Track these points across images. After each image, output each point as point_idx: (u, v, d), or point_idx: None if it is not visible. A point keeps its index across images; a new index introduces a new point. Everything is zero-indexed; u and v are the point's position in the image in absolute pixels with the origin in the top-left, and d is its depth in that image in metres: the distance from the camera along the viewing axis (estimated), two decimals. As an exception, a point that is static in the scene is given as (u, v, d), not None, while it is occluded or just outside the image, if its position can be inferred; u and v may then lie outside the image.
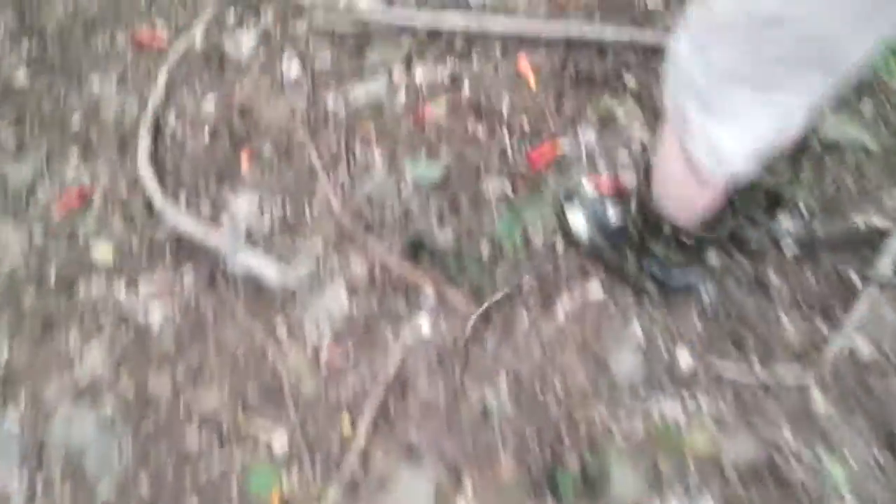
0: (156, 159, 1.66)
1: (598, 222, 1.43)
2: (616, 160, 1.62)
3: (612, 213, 1.43)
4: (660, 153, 1.13)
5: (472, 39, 1.85)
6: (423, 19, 1.82)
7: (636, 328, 1.39)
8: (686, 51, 0.83)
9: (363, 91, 1.79)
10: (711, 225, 1.18)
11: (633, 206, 1.26)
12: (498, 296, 1.43)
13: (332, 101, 1.78)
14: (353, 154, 1.67)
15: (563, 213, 1.48)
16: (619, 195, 1.55)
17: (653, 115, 1.70)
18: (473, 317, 1.39)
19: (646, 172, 1.22)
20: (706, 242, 1.24)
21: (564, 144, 1.66)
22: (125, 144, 1.70)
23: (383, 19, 1.82)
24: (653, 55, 1.79)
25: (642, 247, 1.30)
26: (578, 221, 1.45)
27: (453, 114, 1.73)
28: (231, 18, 1.95)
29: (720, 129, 0.84)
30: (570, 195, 1.48)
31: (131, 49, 1.91)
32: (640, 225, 1.27)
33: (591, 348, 1.38)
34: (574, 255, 1.48)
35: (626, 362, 1.37)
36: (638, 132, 1.67)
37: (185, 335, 1.43)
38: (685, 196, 1.14)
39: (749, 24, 0.72)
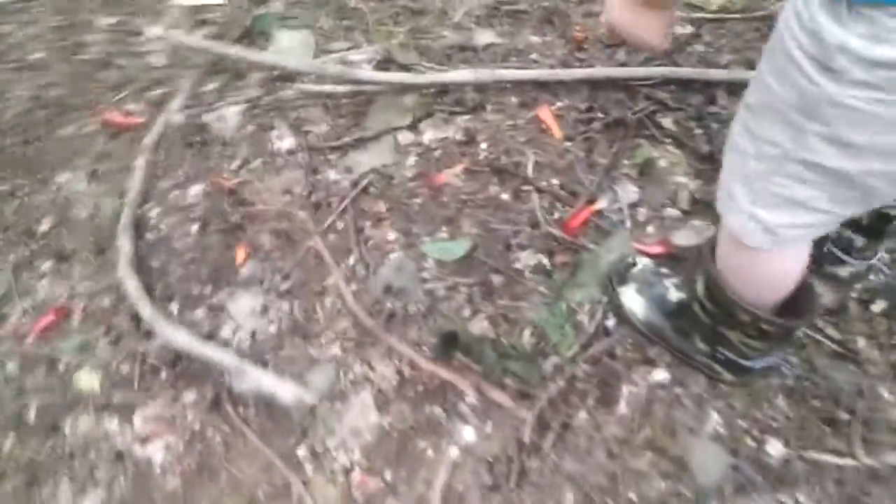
0: (139, 263, 1.55)
1: (657, 300, 1.32)
2: (663, 217, 1.52)
3: (672, 290, 1.32)
4: (719, 232, 1.04)
5: (484, 91, 1.76)
6: (427, 77, 1.73)
7: (714, 418, 1.27)
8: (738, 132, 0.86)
9: (367, 159, 1.69)
10: (796, 306, 1.07)
11: (700, 286, 1.16)
12: (550, 393, 1.31)
13: (333, 174, 1.68)
14: (364, 235, 1.57)
15: (615, 291, 1.37)
16: (673, 260, 1.45)
17: (697, 158, 1.61)
18: (528, 420, 1.27)
19: (710, 249, 1.12)
20: (793, 330, 1.13)
21: (602, 202, 1.56)
22: (103, 249, 1.59)
23: (382, 79, 1.73)
24: (688, 90, 1.71)
25: (714, 333, 1.19)
26: (633, 300, 1.34)
27: (472, 178, 1.63)
28: (211, 90, 1.86)
29: (766, 213, 0.88)
30: (622, 272, 1.37)
31: (103, 135, 1.82)
32: (709, 309, 1.16)
33: (666, 447, 1.25)
34: (632, 337, 1.36)
35: (708, 461, 1.24)
36: (684, 179, 1.57)
37: (193, 472, 1.31)
38: (758, 276, 1.04)
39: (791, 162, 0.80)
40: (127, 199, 1.63)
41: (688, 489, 1.21)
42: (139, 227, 1.60)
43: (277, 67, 1.73)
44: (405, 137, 1.69)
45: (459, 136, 1.67)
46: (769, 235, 0.90)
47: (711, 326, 1.16)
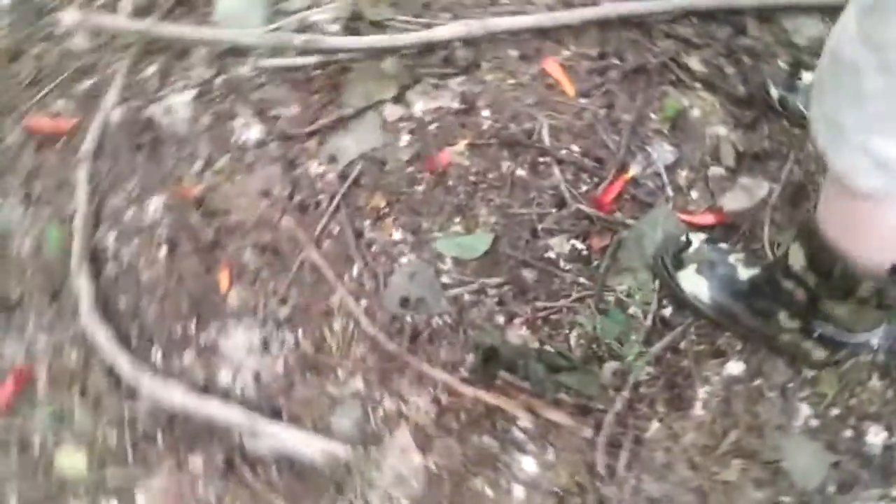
0: (104, 304, 1.28)
1: (724, 281, 1.12)
2: (707, 178, 1.30)
3: (741, 267, 1.12)
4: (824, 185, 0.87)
5: (476, 45, 1.48)
6: (409, 37, 1.43)
7: (803, 410, 1.11)
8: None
9: (352, 144, 1.41)
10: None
11: (798, 257, 0.96)
12: (615, 405, 1.12)
13: (315, 165, 1.40)
14: (365, 239, 1.31)
15: (671, 276, 1.16)
16: (729, 230, 1.24)
17: (734, 102, 1.38)
18: (599, 441, 1.09)
19: (811, 212, 0.92)
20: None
21: (634, 168, 1.32)
22: (57, 291, 1.31)
23: (356, 45, 1.43)
24: (713, 22, 1.46)
25: (812, 308, 1.00)
26: (695, 283, 1.14)
27: (478, 154, 1.37)
28: (151, 76, 1.53)
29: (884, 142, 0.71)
30: (675, 253, 1.16)
31: (30, 145, 1.49)
32: (810, 282, 0.96)
33: (755, 451, 1.09)
34: (695, 327, 1.17)
35: (804, 460, 1.08)
36: (723, 130, 1.35)
37: (216, 551, 1.10)
38: (876, 232, 0.85)
39: None
40: (74, 225, 1.33)
41: (789, 496, 1.05)
42: (96, 258, 1.32)
43: (226, 43, 1.40)
44: (392, 112, 1.41)
45: (456, 104, 1.40)
46: (885, 174, 0.73)
47: (809, 301, 0.96)
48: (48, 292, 1.31)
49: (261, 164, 1.40)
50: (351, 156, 1.39)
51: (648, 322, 1.16)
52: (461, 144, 1.36)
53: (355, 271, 1.28)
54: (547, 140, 1.35)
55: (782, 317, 1.05)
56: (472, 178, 1.34)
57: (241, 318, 1.25)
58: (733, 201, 1.26)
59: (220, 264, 1.30)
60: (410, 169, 1.36)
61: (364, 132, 1.41)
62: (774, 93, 1.30)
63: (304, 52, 1.44)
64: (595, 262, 1.23)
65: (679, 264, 1.15)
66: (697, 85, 1.38)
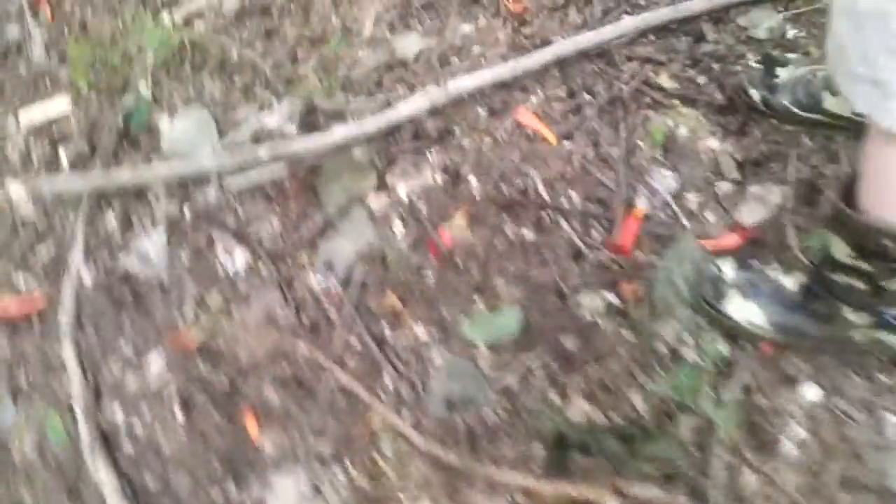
0: (132, 492, 1.15)
1: (774, 298, 1.06)
2: (716, 196, 1.24)
3: (784, 278, 1.06)
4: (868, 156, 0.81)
5: (444, 112, 1.40)
6: (375, 121, 1.34)
7: (891, 420, 1.05)
8: None
9: (346, 246, 1.32)
10: None
11: (839, 248, 0.91)
12: (701, 463, 1.04)
13: (314, 278, 1.30)
14: (389, 346, 1.22)
15: (716, 310, 1.10)
16: (757, 245, 1.18)
17: (715, 111, 1.32)
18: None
19: (845, 192, 0.87)
20: None
21: (640, 202, 1.26)
22: (75, 489, 1.18)
23: (323, 144, 1.33)
24: (669, 35, 1.41)
25: (875, 294, 0.94)
26: (744, 310, 1.08)
27: (479, 224, 1.29)
28: (113, 224, 1.40)
29: None
30: (711, 285, 1.09)
31: (4, 336, 1.34)
32: (861, 268, 0.91)
33: (860, 480, 1.02)
34: (756, 357, 1.10)
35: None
36: (715, 143, 1.29)
37: None
38: None
39: None
40: (75, 409, 1.19)
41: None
42: (107, 440, 1.19)
43: (188, 177, 1.28)
44: (377, 201, 1.32)
45: (440, 177, 1.32)
46: None
47: (869, 287, 0.91)
48: (64, 491, 1.17)
49: (256, 292, 1.29)
50: (348, 259, 1.29)
51: (707, 363, 1.09)
52: (458, 219, 1.28)
53: (389, 383, 1.17)
54: (544, 193, 1.27)
55: (847, 313, 0.99)
56: (479, 252, 1.25)
57: (282, 466, 1.14)
58: (750, 214, 1.20)
59: (243, 411, 1.19)
60: (414, 258, 1.26)
61: (354, 230, 1.32)
62: (755, 95, 1.26)
63: (270, 162, 1.32)
64: (632, 312, 1.15)
65: (720, 296, 1.09)
66: (675, 102, 1.33)
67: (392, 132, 1.38)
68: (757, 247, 1.18)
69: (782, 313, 1.06)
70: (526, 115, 1.34)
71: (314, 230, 1.32)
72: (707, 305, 1.10)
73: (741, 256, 1.15)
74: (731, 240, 1.18)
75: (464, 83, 1.37)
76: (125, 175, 1.29)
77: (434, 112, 1.37)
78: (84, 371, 1.26)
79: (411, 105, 1.34)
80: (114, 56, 1.47)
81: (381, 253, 1.29)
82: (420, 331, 1.21)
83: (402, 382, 1.17)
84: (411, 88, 1.41)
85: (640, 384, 1.11)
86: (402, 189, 1.34)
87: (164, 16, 1.53)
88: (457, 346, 1.19)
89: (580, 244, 1.22)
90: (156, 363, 1.26)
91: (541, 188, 1.28)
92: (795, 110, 1.23)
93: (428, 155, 1.36)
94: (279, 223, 1.34)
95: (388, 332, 1.22)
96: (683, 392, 1.06)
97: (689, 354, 1.11)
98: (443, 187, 1.32)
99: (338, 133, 1.33)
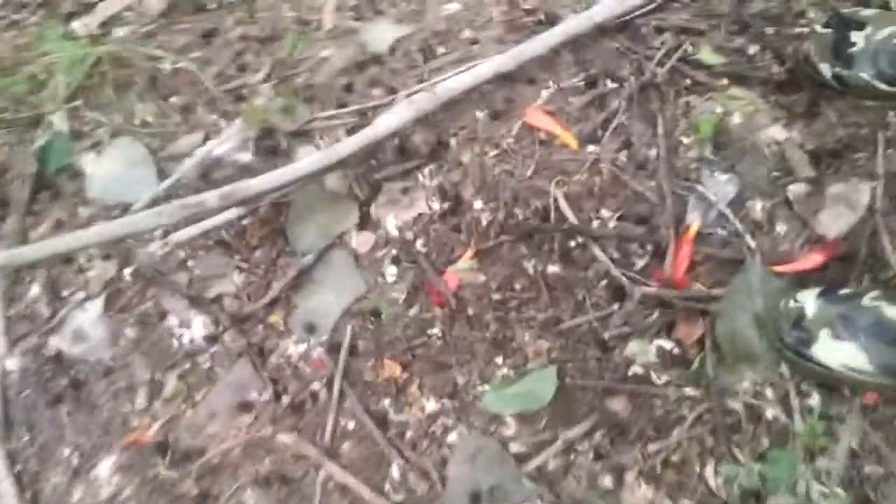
0: None
1: (874, 332, 0.90)
2: (788, 201, 1.04)
3: (884, 305, 0.89)
4: None
5: (434, 121, 1.19)
6: (347, 143, 1.13)
7: None
8: None
9: (328, 300, 1.14)
10: None
11: None
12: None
13: (292, 345, 1.11)
14: (394, 426, 1.04)
15: (804, 356, 0.91)
16: (844, 262, 0.99)
17: (777, 89, 1.12)
18: None
19: None
20: None
21: (692, 216, 1.06)
22: None
23: (289, 176, 1.12)
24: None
25: None
26: (840, 352, 0.91)
27: (492, 261, 1.12)
28: (38, 299, 1.20)
29: None
30: (794, 326, 0.91)
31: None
32: None
33: None
34: (864, 412, 0.92)
35: None
36: (779, 131, 1.09)
37: None
38: None
39: None
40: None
41: None
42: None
43: (127, 237, 1.08)
44: (362, 241, 1.14)
45: (437, 205, 1.14)
46: None
47: None
48: None
49: (222, 368, 1.11)
50: (333, 317, 1.11)
51: (799, 426, 0.90)
52: (466, 256, 1.09)
53: (396, 474, 1.00)
54: (569, 215, 1.08)
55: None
56: (496, 297, 1.08)
57: None
58: (833, 222, 1.02)
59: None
60: (414, 310, 1.09)
61: (337, 280, 1.13)
62: (825, 70, 1.05)
63: (225, 207, 1.12)
64: (695, 361, 0.96)
65: (807, 339, 0.91)
66: (723, 82, 1.14)
67: (372, 152, 1.18)
68: (846, 266, 0.98)
69: (889, 352, 0.88)
70: (537, 116, 1.15)
71: (287, 283, 1.13)
72: (792, 352, 0.91)
73: (826, 282, 0.96)
74: (812, 259, 0.99)
75: (455, 81, 1.17)
76: (43, 247, 1.08)
77: (422, 121, 1.18)
78: (20, 491, 1.07)
79: (393, 115, 1.15)
80: (17, 83, 1.25)
81: (374, 307, 1.11)
82: (430, 405, 1.04)
83: (412, 472, 1.00)
84: (391, 92, 1.21)
85: (715, 457, 0.92)
86: (392, 223, 1.15)
87: (76, 25, 1.30)
88: (478, 421, 1.01)
89: (621, 278, 1.04)
90: (106, 470, 1.09)
91: (565, 208, 1.10)
92: (879, 84, 1.02)
93: (420, 177, 1.17)
94: (243, 278, 1.16)
95: (390, 408, 1.05)
96: (773, 468, 0.87)
97: (774, 413, 0.92)
98: (442, 217, 1.14)
99: (305, 160, 1.13)
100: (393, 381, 1.06)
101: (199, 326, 1.15)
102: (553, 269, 1.08)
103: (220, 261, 1.18)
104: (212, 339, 1.14)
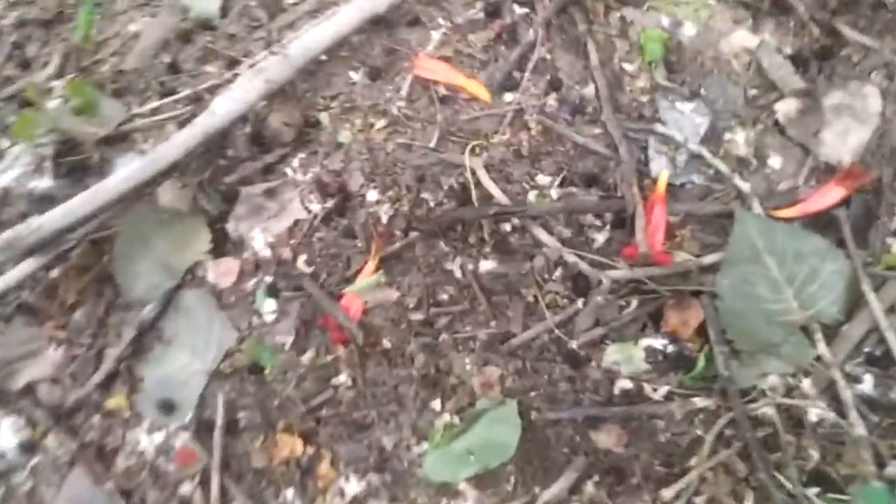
0: None
1: None
2: (781, 124, 0.82)
3: None
4: None
5: (294, 92, 0.91)
6: (178, 139, 0.84)
7: None
8: None
9: (184, 362, 0.88)
10: None
11: None
12: None
13: (144, 435, 0.83)
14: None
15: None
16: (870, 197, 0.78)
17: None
18: None
19: None
20: None
21: (656, 164, 0.83)
22: None
23: (104, 198, 0.82)
24: None
25: None
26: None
27: (402, 268, 0.84)
28: None
29: None
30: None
31: None
32: None
33: None
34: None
35: None
36: (749, 36, 0.87)
37: None
38: None
39: None
40: None
41: None
42: None
43: None
44: (223, 270, 0.92)
45: (318, 205, 0.87)
46: None
47: None
48: None
49: (49, 486, 0.79)
50: (196, 386, 0.85)
51: (856, 421, 0.68)
52: (367, 269, 0.83)
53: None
54: (495, 191, 0.83)
55: None
56: (417, 318, 0.83)
57: None
58: (840, 141, 0.80)
59: None
60: (308, 355, 0.84)
61: (195, 333, 0.89)
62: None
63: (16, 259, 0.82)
64: (699, 360, 0.73)
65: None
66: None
67: (217, 148, 0.88)
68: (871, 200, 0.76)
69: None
70: (430, 66, 0.92)
71: (125, 349, 0.84)
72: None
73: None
74: (831, 195, 0.76)
75: (312, 37, 0.92)
76: None
77: (278, 97, 0.90)
78: None
79: (235, 95, 0.87)
80: None
81: (252, 360, 0.84)
82: (352, 485, 0.79)
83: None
84: (231, 64, 0.94)
85: (753, 489, 0.69)
86: (260, 240, 0.91)
87: None
88: (421, 497, 0.74)
89: (579, 263, 0.79)
90: None
91: (487, 183, 0.86)
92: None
93: (288, 171, 0.90)
94: (62, 353, 0.84)
95: (296, 501, 0.76)
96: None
97: (820, 413, 0.70)
98: (327, 221, 0.88)
99: (120, 173, 0.83)
100: (294, 462, 0.79)
101: (7, 434, 0.83)
102: (487, 265, 0.86)
103: (25, 334, 0.86)
104: (28, 447, 0.83)
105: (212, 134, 0.90)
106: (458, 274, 0.88)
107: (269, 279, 0.89)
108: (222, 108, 0.90)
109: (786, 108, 0.85)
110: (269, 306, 0.88)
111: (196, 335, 0.90)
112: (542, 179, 0.90)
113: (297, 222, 0.90)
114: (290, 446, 0.84)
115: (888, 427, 0.74)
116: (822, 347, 0.77)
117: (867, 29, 0.90)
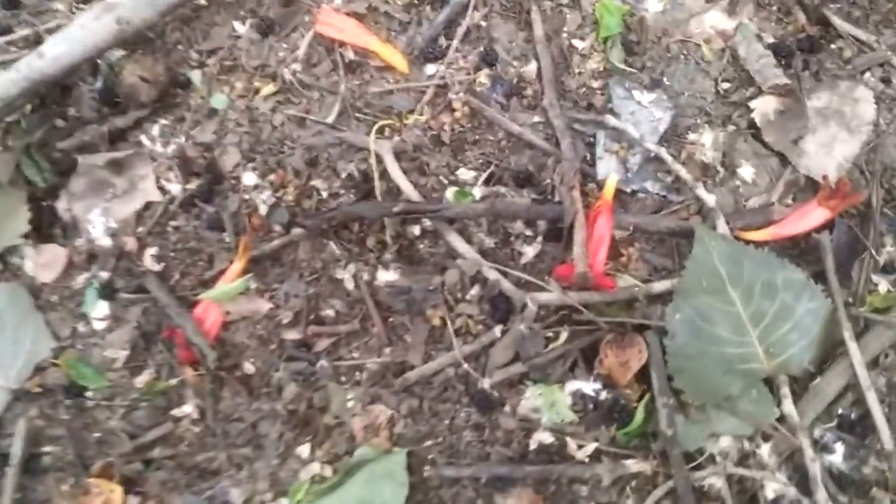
0: None
1: None
2: (756, 122, 0.71)
3: None
4: None
5: (160, 48, 0.76)
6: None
7: None
8: None
9: None
10: None
11: None
12: None
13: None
14: None
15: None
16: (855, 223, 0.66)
17: None
18: None
19: None
20: None
21: (604, 164, 0.71)
22: None
23: None
24: None
25: None
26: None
27: (282, 274, 0.70)
28: None
29: None
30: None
31: None
32: None
33: None
34: None
35: None
36: (718, 15, 0.76)
37: None
38: None
39: None
40: None
41: None
42: None
43: None
44: (45, 260, 0.81)
45: (178, 185, 0.73)
46: None
47: None
48: None
49: None
50: None
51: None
52: (232, 270, 0.69)
53: None
54: (405, 184, 0.69)
55: None
56: (291, 337, 0.68)
57: None
58: (825, 152, 0.69)
59: None
60: (145, 377, 0.67)
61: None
62: None
63: None
64: (637, 412, 0.61)
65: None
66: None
67: (52, 104, 0.72)
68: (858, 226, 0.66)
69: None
70: (335, 22, 0.76)
71: None
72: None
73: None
74: (811, 216, 0.66)
75: None
76: None
77: (139, 47, 0.73)
78: None
79: (74, 34, 0.73)
80: None
81: (70, 379, 0.72)
82: None
83: None
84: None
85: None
86: (100, 224, 0.73)
87: None
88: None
89: (501, 281, 0.65)
90: None
91: (396, 174, 0.73)
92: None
93: (145, 140, 0.75)
94: None
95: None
96: None
97: (778, 489, 0.59)
98: (187, 207, 0.74)
99: None
100: (112, 517, 0.63)
101: None
102: (387, 276, 0.72)
103: None
104: None
105: (39, 82, 0.75)
106: (350, 285, 0.78)
107: (104, 275, 0.78)
108: (54, 50, 0.75)
109: (763, 108, 0.76)
110: (100, 310, 0.78)
111: (1, 341, 0.74)
112: (465, 174, 0.79)
113: (148, 206, 0.78)
114: (107, 495, 0.69)
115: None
116: (787, 405, 0.66)
117: (862, 20, 0.82)
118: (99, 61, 0.82)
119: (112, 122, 0.83)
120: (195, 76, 0.83)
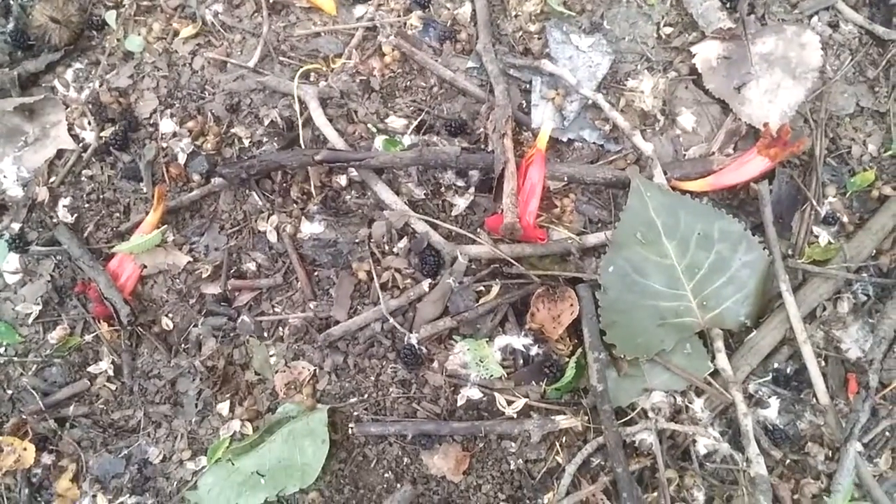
0: None
1: None
2: (697, 67, 0.74)
3: None
4: None
5: None
6: None
7: None
8: None
9: None
10: None
11: None
12: None
13: None
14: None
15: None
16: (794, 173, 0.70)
17: None
18: None
19: None
20: None
21: (539, 111, 0.74)
22: None
23: None
24: None
25: None
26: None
27: (201, 226, 0.73)
28: None
29: None
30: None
31: None
32: None
33: None
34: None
35: None
36: None
37: None
38: None
39: None
40: None
41: None
42: None
43: None
44: None
45: (93, 133, 0.76)
46: None
47: None
48: None
49: None
50: None
51: (755, 460, 0.62)
52: (148, 221, 0.72)
53: None
54: (330, 132, 0.72)
55: None
56: (211, 291, 0.72)
57: None
58: (768, 98, 0.72)
59: None
60: (57, 333, 0.70)
61: None
62: None
63: None
64: (568, 367, 0.65)
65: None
66: None
67: None
68: (800, 176, 0.69)
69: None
70: None
71: None
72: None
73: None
74: (751, 165, 0.69)
75: None
76: None
77: None
78: None
79: None
80: None
81: None
82: None
83: None
84: None
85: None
86: (9, 174, 0.83)
87: None
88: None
89: (430, 234, 0.68)
90: None
91: (321, 121, 0.74)
92: None
93: (57, 86, 0.84)
94: None
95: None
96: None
97: (710, 444, 0.63)
98: (102, 155, 0.77)
99: None
100: (23, 475, 0.66)
101: None
102: (311, 228, 0.75)
103: None
104: None
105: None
106: (273, 237, 0.76)
107: (15, 227, 0.76)
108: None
109: (706, 54, 0.77)
110: (11, 264, 0.76)
111: None
112: (395, 122, 0.79)
113: (61, 154, 0.80)
114: (19, 453, 0.72)
115: (792, 465, 0.67)
116: (721, 360, 0.69)
117: (813, -39, 0.85)
118: (11, 1, 0.84)
119: (22, 65, 0.85)
120: (110, 17, 0.84)
